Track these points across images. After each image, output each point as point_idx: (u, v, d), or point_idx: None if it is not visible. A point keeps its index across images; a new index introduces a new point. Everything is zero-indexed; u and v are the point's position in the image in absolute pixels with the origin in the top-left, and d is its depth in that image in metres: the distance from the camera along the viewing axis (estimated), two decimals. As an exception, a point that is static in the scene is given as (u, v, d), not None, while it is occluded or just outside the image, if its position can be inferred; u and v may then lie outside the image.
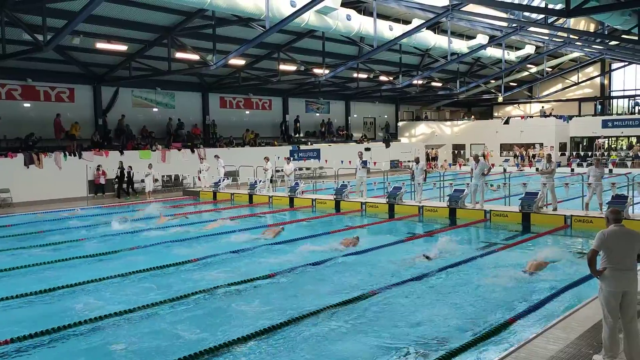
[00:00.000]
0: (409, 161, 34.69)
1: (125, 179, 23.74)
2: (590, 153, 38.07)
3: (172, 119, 28.95)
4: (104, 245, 13.31)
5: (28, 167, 21.54)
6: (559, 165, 19.36)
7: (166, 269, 10.85)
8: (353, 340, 7.04)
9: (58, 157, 22.40)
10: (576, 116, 42.56)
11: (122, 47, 22.80)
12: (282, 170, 23.25)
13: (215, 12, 20.28)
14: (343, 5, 21.62)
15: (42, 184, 21.70)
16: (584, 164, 33.41)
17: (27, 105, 24.38)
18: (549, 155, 16.81)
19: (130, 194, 23.76)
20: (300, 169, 31.47)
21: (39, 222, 17.01)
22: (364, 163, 19.96)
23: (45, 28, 16.41)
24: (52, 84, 24.91)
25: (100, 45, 21.88)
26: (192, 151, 27.22)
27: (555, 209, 15.57)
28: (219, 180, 23.45)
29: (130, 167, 23.63)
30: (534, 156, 37.93)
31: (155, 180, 24.84)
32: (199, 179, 25.02)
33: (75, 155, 22.91)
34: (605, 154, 38.17)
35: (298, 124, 36.29)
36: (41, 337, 7.18)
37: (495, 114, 48.71)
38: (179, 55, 23.26)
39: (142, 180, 23.57)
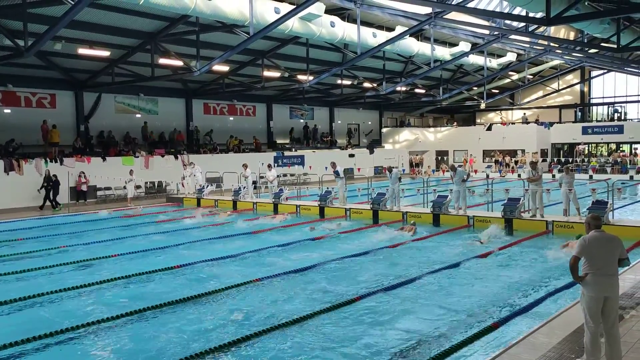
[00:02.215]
0: (383, 167, 34.88)
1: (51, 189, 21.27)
2: (570, 159, 38.60)
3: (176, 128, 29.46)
4: (96, 251, 13.18)
5: (8, 174, 21.19)
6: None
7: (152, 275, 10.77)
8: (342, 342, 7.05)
9: (39, 164, 22.08)
10: (557, 123, 43.15)
11: (105, 53, 22.62)
12: (265, 176, 23.21)
13: (199, 18, 20.25)
14: (327, 12, 21.71)
15: (23, 191, 21.35)
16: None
17: (7, 111, 24.06)
18: (533, 163, 16.90)
19: (55, 207, 21.32)
20: (285, 175, 31.44)
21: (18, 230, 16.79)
22: (337, 173, 19.98)
23: (26, 33, 16.20)
24: (33, 89, 24.62)
25: (83, 50, 21.69)
26: (176, 157, 27.04)
27: (534, 215, 15.69)
28: (203, 186, 23.33)
29: (55, 175, 21.43)
30: (516, 162, 38.35)
31: (138, 187, 24.65)
32: (183, 186, 24.85)
33: (56, 162, 22.63)
34: (586, 160, 38.70)
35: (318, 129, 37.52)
36: (24, 345, 7.07)
37: (478, 121, 49.20)
38: (163, 61, 23.16)
39: (124, 187, 23.41)
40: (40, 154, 22.92)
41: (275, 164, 30.50)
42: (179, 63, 23.11)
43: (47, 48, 20.28)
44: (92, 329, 7.72)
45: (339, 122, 41.69)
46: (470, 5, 21.35)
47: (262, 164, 26.19)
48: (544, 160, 38.67)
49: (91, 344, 7.30)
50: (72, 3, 14.97)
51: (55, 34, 17.12)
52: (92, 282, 10.19)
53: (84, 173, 23.01)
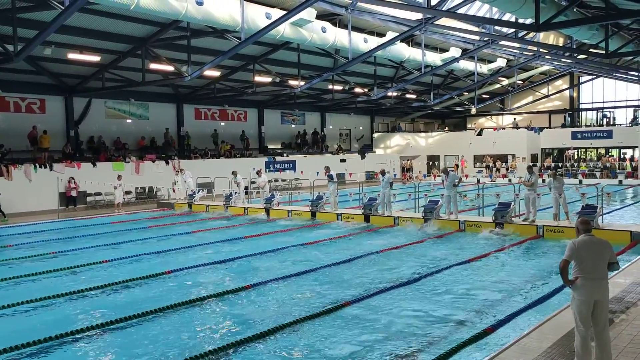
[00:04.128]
0: (375, 171, 35.00)
1: None
2: (560, 164, 38.86)
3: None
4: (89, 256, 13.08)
5: (-3, 180, 21.02)
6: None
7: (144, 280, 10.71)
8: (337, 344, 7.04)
9: (28, 169, 21.92)
10: (547, 128, 43.43)
11: (95, 58, 22.53)
12: (256, 182, 23.17)
13: (190, 24, 20.22)
14: (318, 17, 21.76)
15: (12, 197, 21.16)
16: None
17: (-4, 116, 23.91)
18: (530, 167, 16.95)
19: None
20: (276, 180, 31.41)
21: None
22: (330, 177, 20.02)
23: (15, 38, 16.11)
24: (22, 94, 24.47)
25: (73, 55, 21.59)
26: (167, 163, 26.94)
27: (527, 219, 15.78)
28: (194, 192, 23.26)
29: None
30: (507, 169, 38.54)
31: (128, 192, 24.52)
32: (174, 191, 24.75)
33: (45, 167, 22.47)
34: (575, 164, 38.97)
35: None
36: (13, 352, 7.00)
37: (469, 126, 49.44)
38: (153, 66, 23.09)
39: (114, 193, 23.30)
40: (29, 159, 22.76)
41: (267, 169, 30.46)
42: (170, 68, 23.05)
43: (36, 53, 20.20)
44: (82, 335, 7.65)
45: (331, 127, 41.75)
46: (461, 11, 21.50)
47: (254, 169, 26.19)
48: (534, 165, 38.82)
49: (81, 351, 7.24)
50: (62, 8, 14.90)
51: (45, 39, 17.03)
52: (82, 288, 10.10)
53: (73, 179, 22.87)
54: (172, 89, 29.60)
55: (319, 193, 20.56)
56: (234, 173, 22.78)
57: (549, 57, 33.09)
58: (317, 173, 24.56)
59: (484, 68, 35.59)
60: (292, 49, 25.91)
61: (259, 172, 23.65)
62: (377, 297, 9.37)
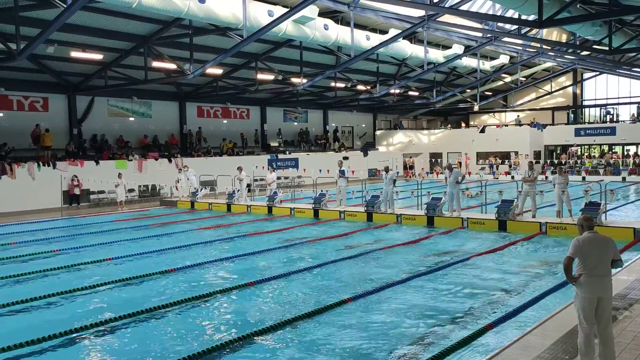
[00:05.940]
0: (377, 169, 35.04)
1: None
2: (564, 161, 38.74)
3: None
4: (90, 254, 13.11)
5: (0, 178, 21.06)
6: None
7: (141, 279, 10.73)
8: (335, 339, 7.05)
9: (31, 168, 21.96)
10: (550, 125, 43.33)
11: (98, 56, 22.56)
12: (265, 179, 23.24)
13: (192, 22, 20.24)
14: (320, 15, 21.74)
15: (15, 195, 21.23)
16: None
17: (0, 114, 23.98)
18: (531, 163, 16.99)
19: None
20: (279, 178, 31.39)
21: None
22: (342, 172, 20.07)
23: (18, 36, 16.15)
24: (25, 93, 24.53)
25: (75, 54, 21.61)
26: (170, 161, 26.96)
27: (533, 216, 15.78)
28: (197, 190, 23.29)
29: None
30: (509, 165, 38.44)
31: (131, 190, 24.56)
32: (177, 189, 24.78)
33: (49, 166, 22.51)
34: (578, 161, 38.85)
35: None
36: (17, 349, 7.01)
37: (471, 123, 49.31)
38: (156, 64, 23.11)
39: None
40: (32, 158, 22.81)
41: (269, 167, 30.48)
42: (172, 66, 23.07)
43: (39, 51, 20.25)
44: (86, 333, 7.68)
45: (333, 124, 41.74)
46: (463, 8, 21.42)
47: (256, 166, 26.19)
48: (537, 162, 38.77)
49: (85, 348, 7.26)
50: (65, 6, 14.92)
51: (47, 37, 17.06)
52: (85, 286, 10.13)
53: (76, 177, 22.92)
54: (175, 87, 29.63)
55: (322, 190, 20.56)
56: (239, 169, 22.80)
57: (552, 54, 33.00)
58: (320, 171, 24.55)
59: (487, 65, 35.52)
60: (295, 46, 25.90)
61: (273, 169, 23.90)
62: (379, 293, 9.37)
